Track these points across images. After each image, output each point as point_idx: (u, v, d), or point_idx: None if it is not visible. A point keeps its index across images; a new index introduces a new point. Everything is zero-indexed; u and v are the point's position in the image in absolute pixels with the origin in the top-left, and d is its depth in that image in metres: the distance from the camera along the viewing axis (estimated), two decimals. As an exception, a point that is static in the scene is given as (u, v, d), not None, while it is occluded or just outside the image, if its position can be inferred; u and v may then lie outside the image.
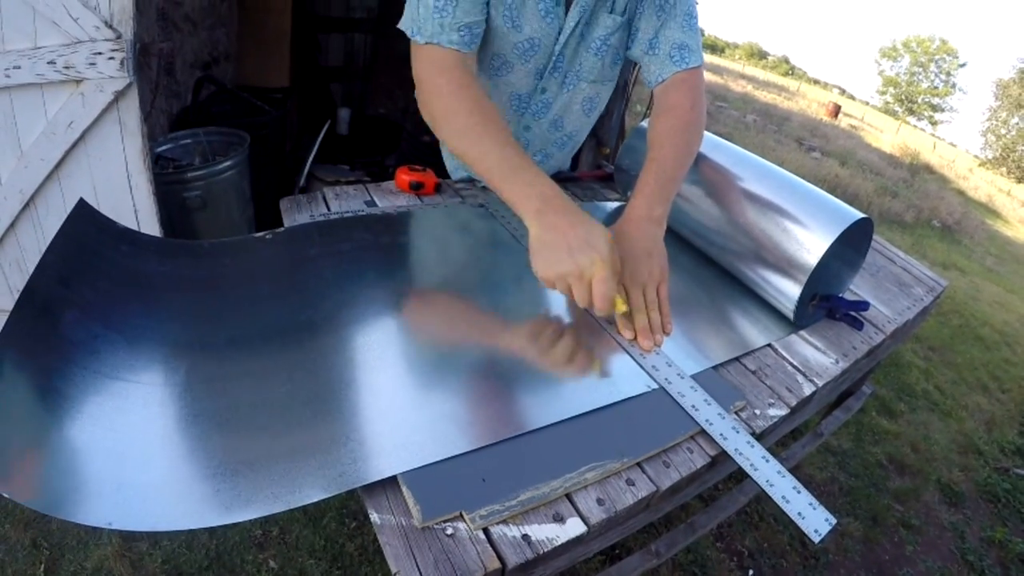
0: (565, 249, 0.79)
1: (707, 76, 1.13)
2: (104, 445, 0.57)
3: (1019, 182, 24.33)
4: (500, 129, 0.90)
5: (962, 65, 39.40)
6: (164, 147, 2.25)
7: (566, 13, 1.04)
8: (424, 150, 1.32)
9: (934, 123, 40.31)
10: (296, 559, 1.62)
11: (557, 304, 0.92)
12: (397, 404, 0.67)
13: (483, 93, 0.94)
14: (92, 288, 0.75)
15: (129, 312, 0.74)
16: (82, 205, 0.82)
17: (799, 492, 0.67)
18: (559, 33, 1.06)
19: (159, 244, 0.90)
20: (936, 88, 40.04)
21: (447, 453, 0.61)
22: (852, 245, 1.03)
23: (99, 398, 0.62)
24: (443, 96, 0.94)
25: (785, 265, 0.98)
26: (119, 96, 1.59)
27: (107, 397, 0.62)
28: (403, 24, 0.98)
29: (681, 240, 1.21)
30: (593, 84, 1.17)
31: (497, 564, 0.53)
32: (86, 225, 0.82)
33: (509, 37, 1.05)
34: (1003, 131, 28.18)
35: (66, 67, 1.53)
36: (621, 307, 0.83)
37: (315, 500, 0.55)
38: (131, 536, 1.57)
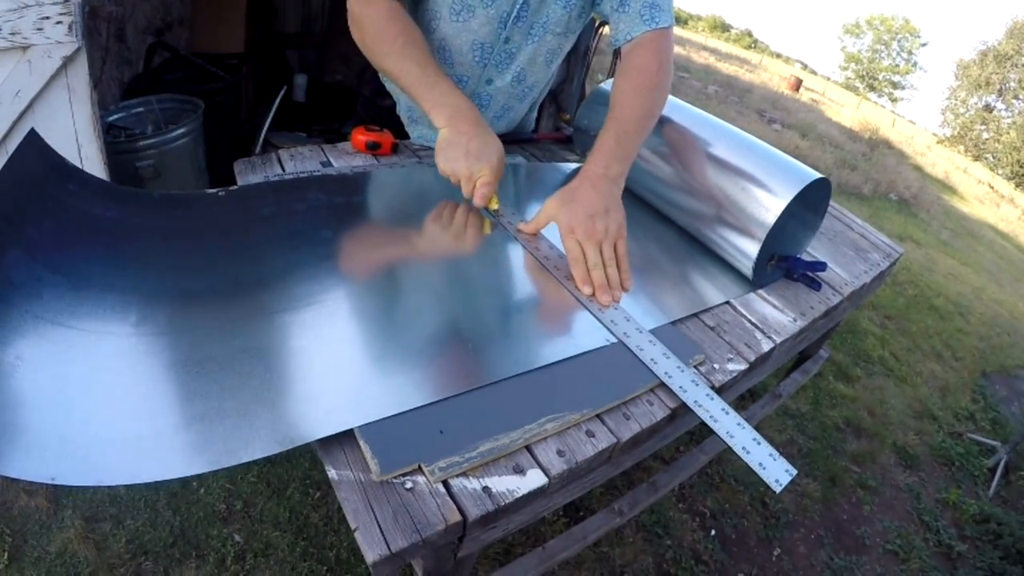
0: (463, 153, 0.95)
1: (672, 31, 1.12)
2: (45, 395, 0.55)
3: (975, 160, 25.00)
4: (422, 50, 1.01)
5: (924, 44, 40.16)
6: (115, 116, 2.18)
7: None
8: (383, 114, 1.29)
9: (894, 100, 41.07)
10: (261, 532, 1.61)
11: (515, 260, 0.92)
12: (353, 358, 0.67)
13: (410, 22, 1.04)
14: (37, 227, 0.72)
15: (75, 256, 0.71)
16: (32, 136, 0.78)
17: (759, 443, 0.68)
18: None
19: (107, 188, 0.87)
20: (897, 66, 40.75)
21: (404, 406, 0.60)
22: (810, 206, 1.05)
23: (41, 345, 0.59)
24: (373, 23, 1.02)
25: (744, 224, 0.99)
26: (68, 62, 1.53)
27: (50, 344, 0.60)
28: None
29: (642, 200, 1.21)
30: (558, 36, 1.15)
31: (458, 517, 0.53)
32: (35, 159, 0.78)
33: None
34: (962, 110, 28.87)
35: (12, 33, 1.46)
36: (494, 204, 1.00)
37: (270, 454, 0.54)
38: (94, 517, 1.54)
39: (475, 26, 1.09)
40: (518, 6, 1.07)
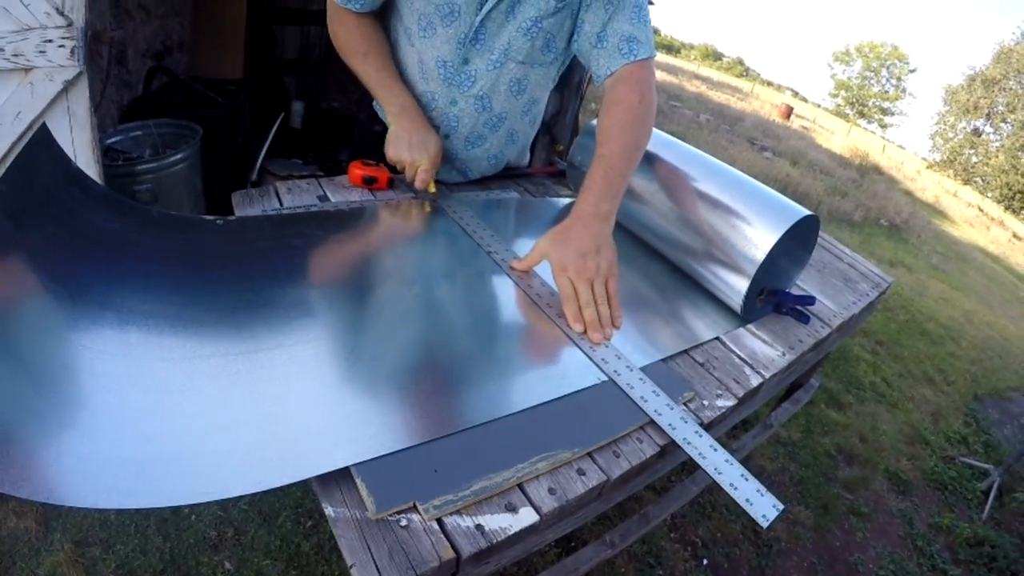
0: (407, 143, 1.12)
1: (662, 76, 1.13)
2: (42, 411, 0.55)
3: (965, 184, 25.21)
4: (382, 57, 1.18)
5: (912, 71, 40.74)
6: (114, 139, 2.18)
7: None
8: (376, 140, 1.31)
9: (884, 126, 41.54)
10: (252, 560, 1.60)
11: (508, 298, 0.93)
12: (349, 396, 0.68)
13: (376, 32, 1.19)
14: (41, 232, 0.73)
15: (76, 267, 0.72)
16: (43, 131, 0.80)
17: (747, 479, 0.69)
18: (483, 3, 1.06)
19: (109, 198, 0.87)
20: (887, 92, 41.26)
21: (399, 445, 0.61)
22: (799, 241, 1.06)
23: (39, 358, 0.60)
24: (346, 29, 1.17)
25: (733, 260, 1.01)
26: (69, 86, 1.54)
27: (48, 358, 0.60)
28: None
29: (632, 236, 1.23)
30: (521, 65, 1.16)
31: (451, 554, 0.54)
32: (43, 157, 0.79)
33: None
34: (951, 135, 29.15)
35: (15, 55, 1.47)
36: (432, 188, 1.16)
37: (266, 488, 0.55)
38: (84, 541, 1.53)
39: (438, 43, 1.12)
40: (475, 28, 1.09)
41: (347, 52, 1.20)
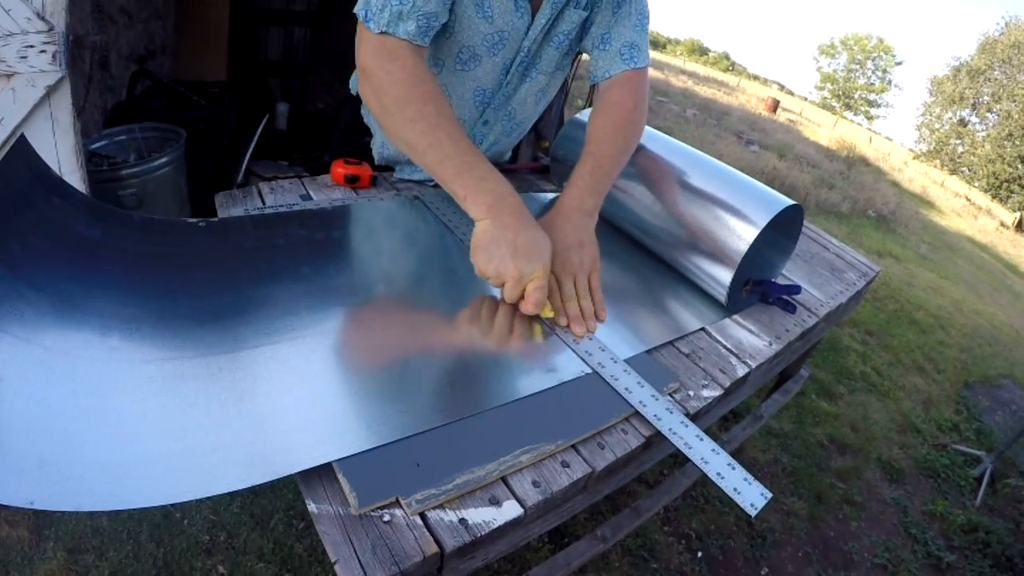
0: (510, 251, 0.82)
1: (648, 71, 1.14)
2: (25, 418, 0.55)
3: (951, 174, 25.41)
4: (453, 121, 0.89)
5: (898, 63, 41.01)
6: (98, 144, 2.17)
7: (533, 8, 1.04)
8: (358, 149, 1.30)
9: (870, 118, 41.80)
10: (245, 563, 1.60)
11: (490, 292, 0.93)
12: (332, 393, 0.67)
13: (437, 84, 0.92)
14: (20, 242, 0.72)
15: (57, 274, 0.72)
16: (23, 143, 0.80)
17: (734, 468, 0.69)
18: (528, 28, 1.06)
19: (90, 205, 0.87)
20: (873, 84, 41.52)
21: (382, 440, 0.61)
22: (783, 231, 1.07)
23: (22, 366, 0.60)
24: (396, 83, 0.88)
25: (717, 251, 1.01)
26: (51, 91, 1.54)
27: (30, 366, 0.60)
28: (357, 7, 0.93)
29: (616, 229, 1.23)
30: (548, 75, 1.17)
31: (435, 548, 0.54)
32: (22, 168, 0.79)
33: (480, 28, 1.02)
34: (937, 126, 29.39)
35: (-3, 61, 1.47)
36: (548, 312, 0.86)
37: (248, 485, 0.55)
38: (76, 548, 1.52)
39: (480, 74, 1.10)
40: (522, 53, 1.09)
41: (401, 112, 0.88)
